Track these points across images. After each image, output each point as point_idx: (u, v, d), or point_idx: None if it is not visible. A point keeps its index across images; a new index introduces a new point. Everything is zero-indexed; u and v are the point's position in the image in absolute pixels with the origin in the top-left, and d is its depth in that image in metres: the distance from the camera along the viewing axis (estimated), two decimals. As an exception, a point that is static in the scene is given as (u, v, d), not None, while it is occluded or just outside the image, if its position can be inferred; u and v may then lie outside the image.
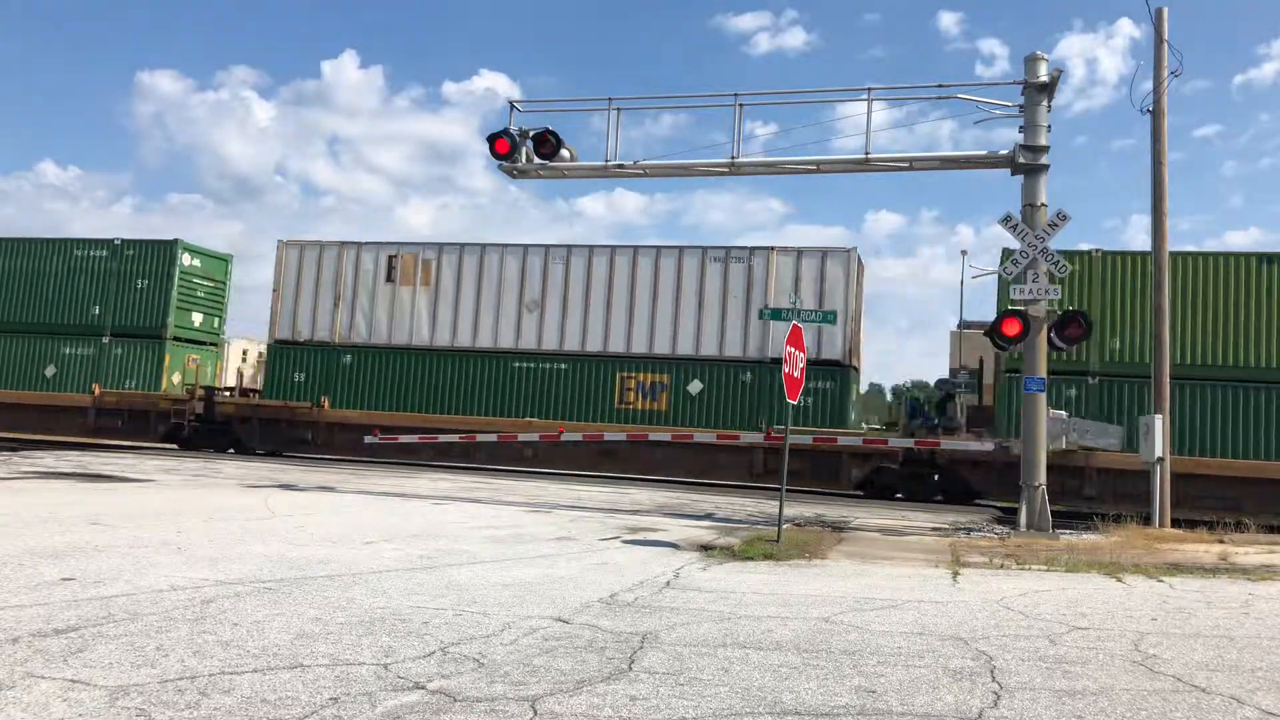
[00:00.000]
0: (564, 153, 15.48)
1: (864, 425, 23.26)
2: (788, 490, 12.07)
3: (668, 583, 8.00)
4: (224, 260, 28.29)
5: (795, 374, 11.73)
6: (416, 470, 21.63)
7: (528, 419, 22.81)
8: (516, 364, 23.45)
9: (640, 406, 22.64)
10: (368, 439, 22.61)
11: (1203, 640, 6.33)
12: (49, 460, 19.06)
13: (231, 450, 24.61)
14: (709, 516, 14.52)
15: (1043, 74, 13.98)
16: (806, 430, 20.65)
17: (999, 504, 19.43)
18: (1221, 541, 12.47)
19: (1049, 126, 14.03)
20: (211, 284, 27.61)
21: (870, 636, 6.09)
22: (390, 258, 24.59)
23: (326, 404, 24.10)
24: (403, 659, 5.03)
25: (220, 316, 28.19)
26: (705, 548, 10.45)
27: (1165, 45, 14.89)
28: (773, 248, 22.43)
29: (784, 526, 11.41)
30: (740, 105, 14.95)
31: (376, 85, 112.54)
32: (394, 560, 8.46)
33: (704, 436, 21.22)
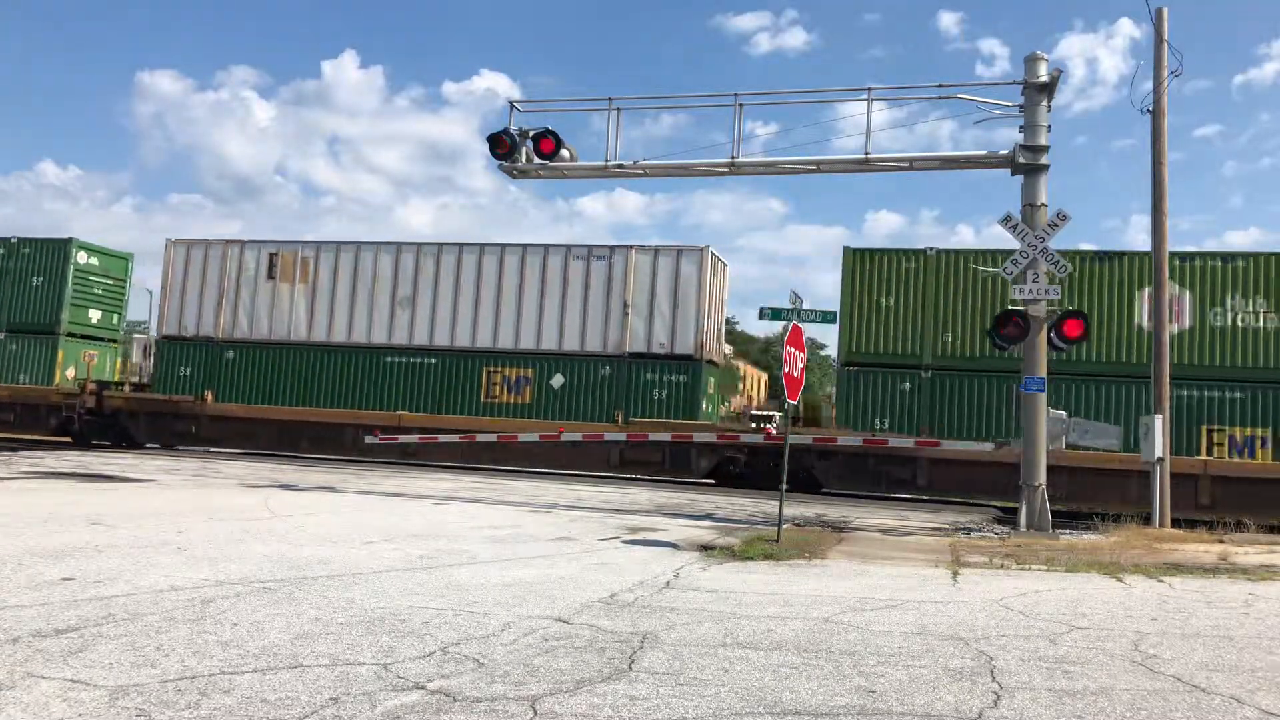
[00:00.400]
0: (564, 153, 15.47)
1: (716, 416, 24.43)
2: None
3: (668, 583, 8.00)
4: (124, 259, 29.03)
5: (795, 374, 11.69)
6: (417, 470, 21.65)
7: (397, 413, 23.60)
8: (389, 359, 24.26)
9: (506, 400, 23.51)
10: (368, 439, 22.68)
11: (1203, 640, 6.33)
12: (49, 460, 19.07)
13: (124, 444, 25.34)
14: (709, 516, 14.52)
15: (1043, 74, 13.98)
16: (666, 424, 21.86)
17: (997, 504, 19.45)
18: (1221, 541, 12.47)
19: (1049, 126, 14.02)
20: (110, 281, 28.37)
21: (870, 636, 6.09)
22: (271, 256, 25.51)
23: (210, 397, 24.95)
24: (403, 659, 5.03)
25: (120, 313, 28.99)
26: (705, 548, 10.45)
27: (1165, 45, 14.89)
28: (631, 246, 23.31)
29: (784, 526, 11.41)
30: (740, 105, 14.94)
31: (377, 85, 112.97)
32: (394, 560, 8.46)
33: (705, 436, 21.33)
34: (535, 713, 4.22)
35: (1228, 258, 20.09)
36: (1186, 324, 19.82)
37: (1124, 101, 63.33)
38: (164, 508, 11.77)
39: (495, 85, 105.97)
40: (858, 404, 21.27)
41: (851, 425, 21.03)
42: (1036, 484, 13.72)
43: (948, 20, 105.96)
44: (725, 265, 24.66)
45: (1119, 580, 9.05)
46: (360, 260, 24.81)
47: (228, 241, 25.85)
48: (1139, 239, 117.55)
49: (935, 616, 6.89)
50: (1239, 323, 19.69)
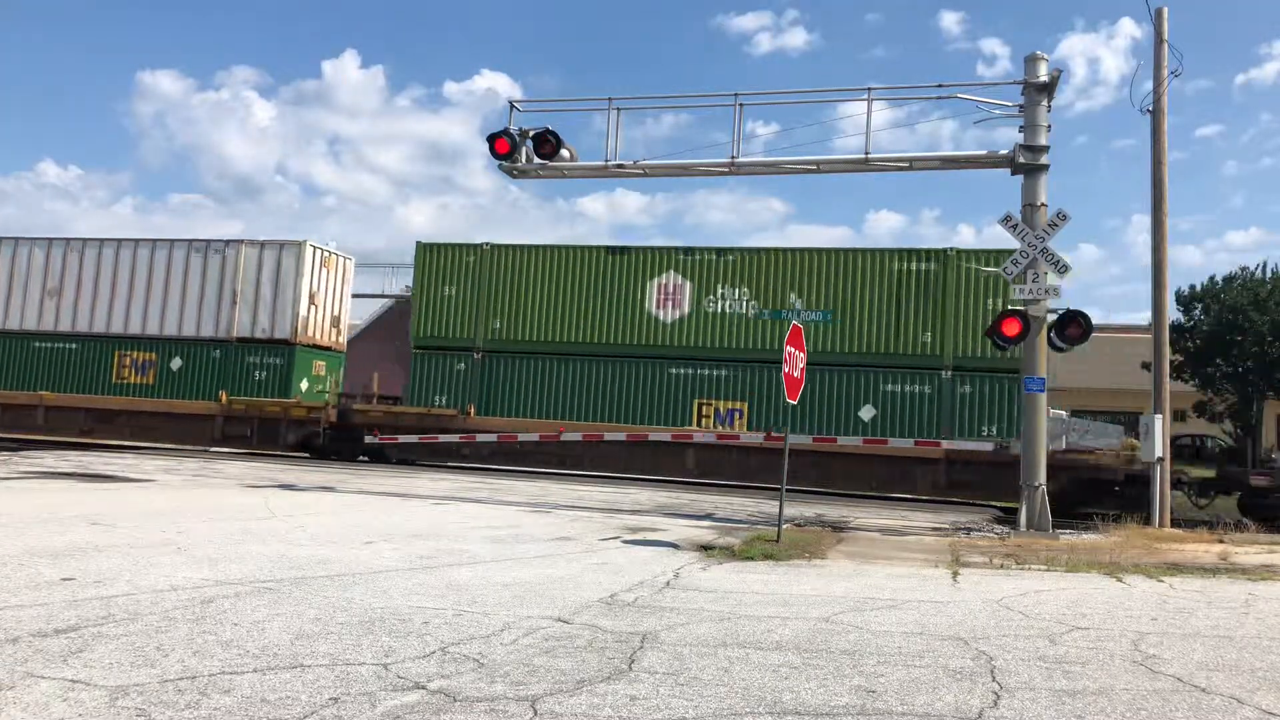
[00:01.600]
0: (564, 153, 15.46)
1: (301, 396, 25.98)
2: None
3: (668, 583, 8.00)
4: None
5: (795, 374, 11.66)
6: (416, 470, 21.66)
7: (39, 393, 25.77)
8: (37, 344, 26.64)
9: (133, 381, 25.81)
10: (368, 439, 22.75)
11: (1203, 640, 6.33)
12: (49, 460, 19.08)
13: None
14: (709, 516, 14.52)
15: (1043, 74, 13.98)
16: (261, 401, 24.02)
17: (998, 504, 19.46)
18: (1221, 541, 12.48)
19: (1049, 126, 14.03)
20: None
21: (870, 636, 6.09)
22: None
23: None
24: (403, 659, 5.03)
25: None
26: (705, 548, 10.44)
27: (1165, 45, 14.92)
28: (243, 241, 25.80)
29: (784, 526, 11.41)
30: (740, 105, 14.94)
31: (377, 85, 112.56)
32: (394, 560, 8.46)
33: (704, 438, 21.34)
34: (535, 712, 4.22)
35: (721, 252, 22.41)
36: (686, 310, 22.25)
37: (1124, 101, 63.25)
38: (164, 507, 11.77)
39: (495, 85, 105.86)
40: (424, 383, 23.56)
41: (416, 403, 23.35)
42: (1036, 484, 13.71)
43: (949, 20, 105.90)
44: (348, 260, 27.52)
45: (1119, 580, 9.05)
46: (18, 254, 27.19)
47: None
48: (1139, 239, 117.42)
49: (935, 616, 6.89)
50: (728, 309, 22.12)
